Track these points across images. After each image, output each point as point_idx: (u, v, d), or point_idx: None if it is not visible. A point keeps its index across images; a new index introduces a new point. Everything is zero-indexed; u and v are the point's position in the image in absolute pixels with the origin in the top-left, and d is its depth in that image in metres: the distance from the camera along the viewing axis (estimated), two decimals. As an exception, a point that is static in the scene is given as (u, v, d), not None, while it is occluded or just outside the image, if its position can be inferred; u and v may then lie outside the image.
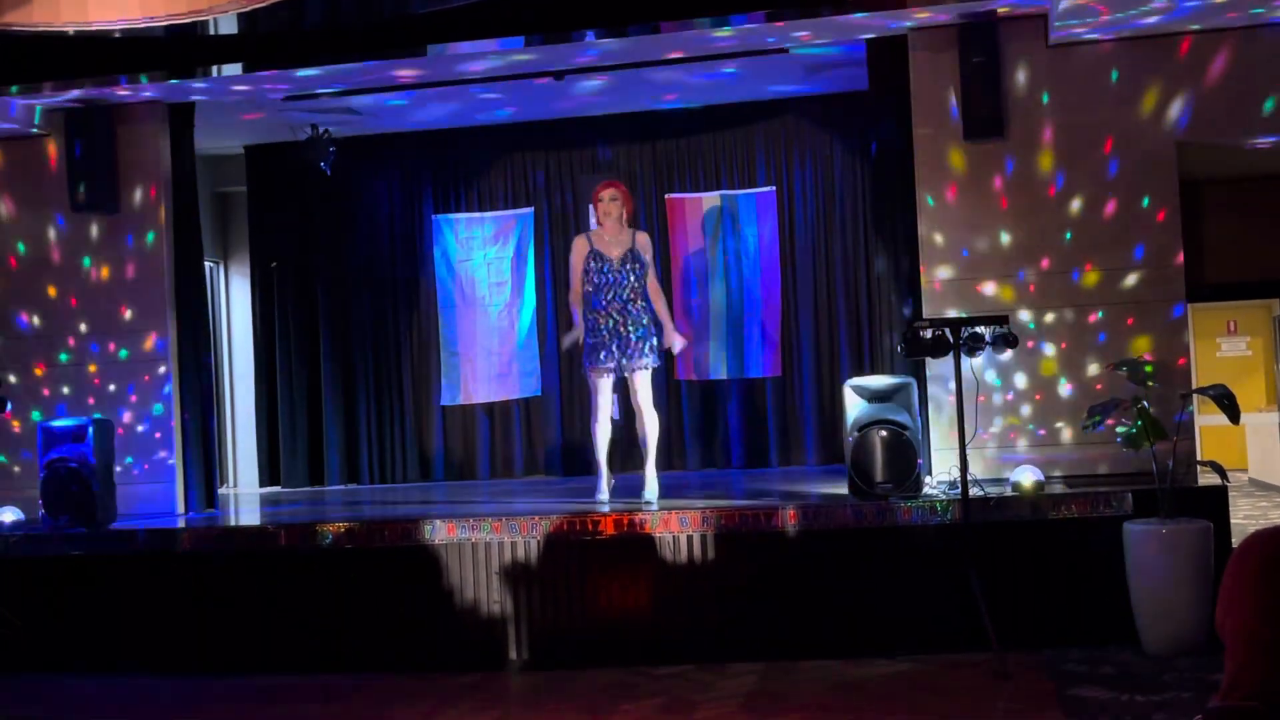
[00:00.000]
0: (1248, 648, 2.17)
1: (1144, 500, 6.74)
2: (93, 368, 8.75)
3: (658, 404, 10.37)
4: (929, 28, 7.81)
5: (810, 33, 7.87)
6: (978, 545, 6.54)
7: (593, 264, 7.81)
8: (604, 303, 7.77)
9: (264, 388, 11.05)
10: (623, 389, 7.97)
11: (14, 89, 8.27)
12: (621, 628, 7.02)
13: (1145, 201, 7.69)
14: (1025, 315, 7.71)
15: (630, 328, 7.72)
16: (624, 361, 7.72)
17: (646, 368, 7.77)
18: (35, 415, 8.61)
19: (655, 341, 7.82)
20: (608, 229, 7.90)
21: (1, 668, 7.38)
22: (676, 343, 8.03)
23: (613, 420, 7.95)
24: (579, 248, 7.94)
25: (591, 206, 8.28)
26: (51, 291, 8.83)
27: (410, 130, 10.52)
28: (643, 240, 7.95)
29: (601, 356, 7.74)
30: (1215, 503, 6.83)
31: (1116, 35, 7.62)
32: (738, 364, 10.35)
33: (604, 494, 7.91)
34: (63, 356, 8.79)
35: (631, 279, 7.78)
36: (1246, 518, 10.33)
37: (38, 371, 8.81)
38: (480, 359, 10.62)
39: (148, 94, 8.57)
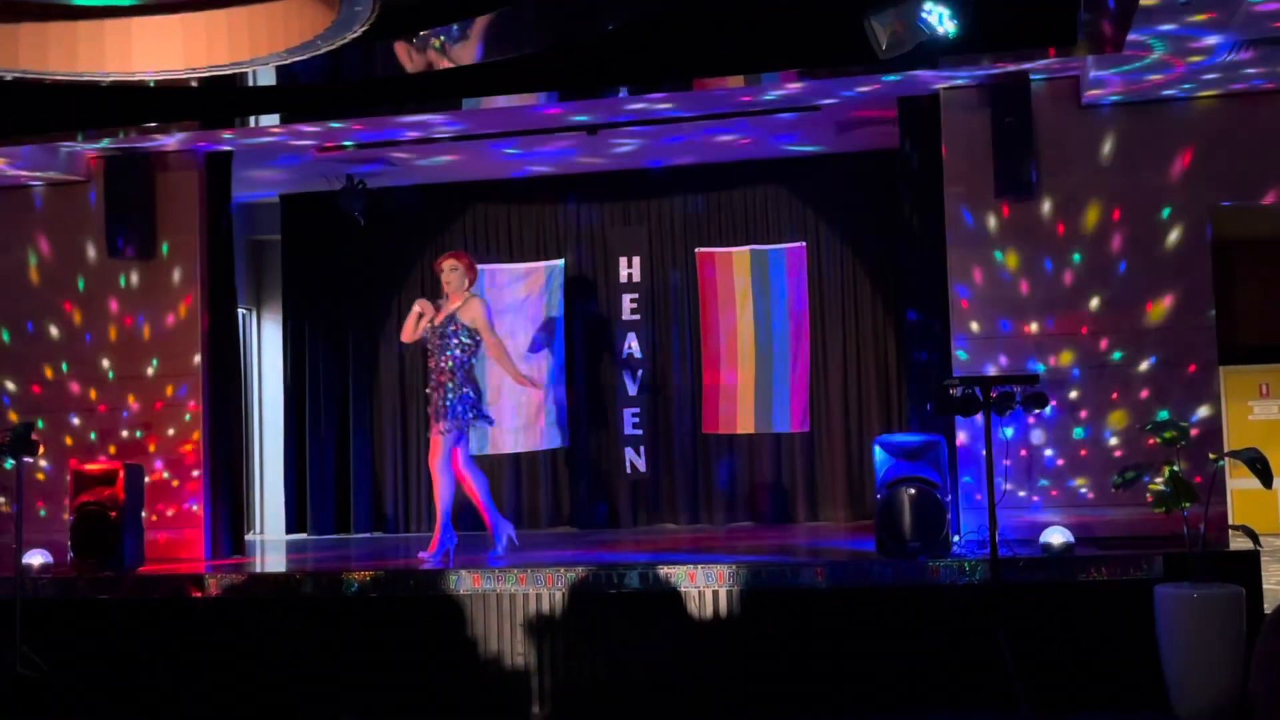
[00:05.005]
0: (1282, 718, 2.15)
1: (1175, 564, 6.67)
2: (124, 413, 8.82)
3: (684, 457, 10.38)
4: (961, 88, 7.85)
5: (843, 93, 7.93)
6: (1007, 606, 6.48)
7: (426, 327, 8.17)
8: (431, 366, 8.16)
9: (293, 435, 11.09)
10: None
11: (79, 136, 8.46)
12: (645, 682, 6.98)
13: (1177, 263, 7.67)
14: (1055, 375, 7.69)
15: (442, 393, 8.04)
16: (433, 422, 8.08)
17: (442, 433, 8.03)
18: (66, 459, 8.67)
19: (460, 412, 8.00)
20: (451, 297, 8.20)
21: (27, 713, 7.38)
22: (530, 389, 8.57)
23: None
24: (425, 309, 8.25)
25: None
26: (86, 336, 8.92)
27: (444, 181, 10.60)
28: (470, 309, 8.15)
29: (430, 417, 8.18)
30: (1247, 568, 6.75)
31: (1148, 97, 7.63)
32: (766, 419, 10.30)
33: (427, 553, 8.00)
34: (97, 401, 8.87)
35: (452, 348, 8.06)
36: (1279, 583, 10.19)
37: (69, 416, 8.88)
38: (507, 410, 10.63)
39: (186, 143, 8.69)
